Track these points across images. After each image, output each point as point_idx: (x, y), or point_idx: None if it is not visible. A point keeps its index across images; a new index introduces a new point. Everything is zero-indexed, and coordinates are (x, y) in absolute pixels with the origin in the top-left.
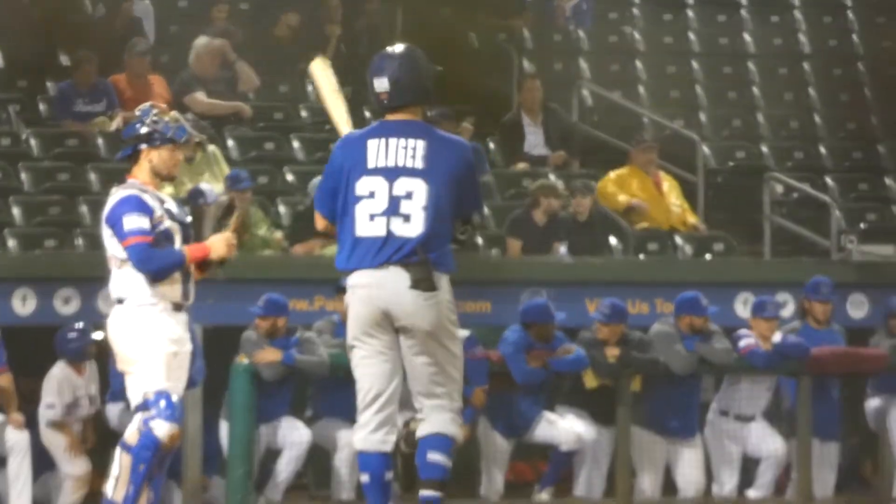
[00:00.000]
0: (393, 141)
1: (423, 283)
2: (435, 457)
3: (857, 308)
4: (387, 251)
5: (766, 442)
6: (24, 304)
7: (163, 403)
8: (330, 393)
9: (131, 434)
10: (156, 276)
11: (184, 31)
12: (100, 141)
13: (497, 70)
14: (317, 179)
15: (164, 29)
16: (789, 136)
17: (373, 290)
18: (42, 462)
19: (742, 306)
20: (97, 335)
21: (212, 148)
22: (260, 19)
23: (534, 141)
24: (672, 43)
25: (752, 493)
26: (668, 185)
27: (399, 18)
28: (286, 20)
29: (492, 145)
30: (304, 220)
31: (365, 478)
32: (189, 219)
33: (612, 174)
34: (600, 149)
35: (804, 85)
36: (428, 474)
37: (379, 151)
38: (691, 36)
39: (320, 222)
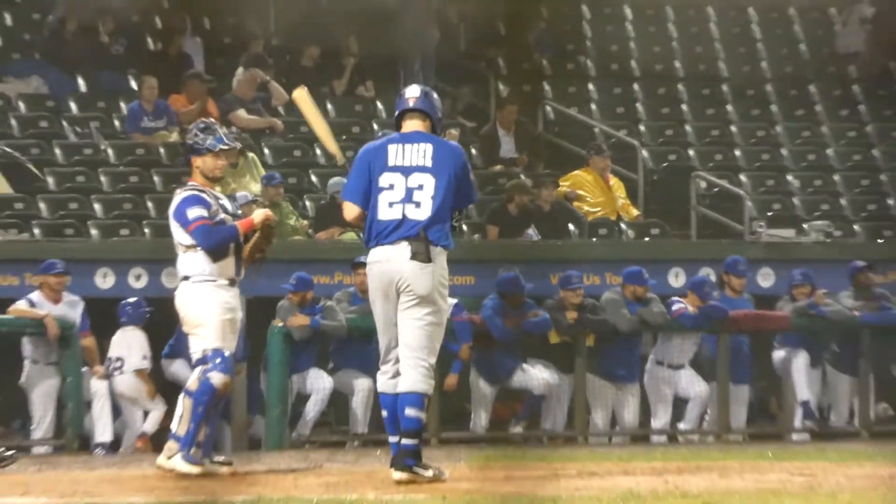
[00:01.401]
0: (408, 146)
1: (420, 255)
2: (411, 412)
3: (766, 279)
4: (400, 231)
5: (693, 385)
6: (104, 280)
7: (218, 359)
8: (348, 349)
9: (192, 382)
10: (217, 249)
11: (228, 62)
12: (162, 150)
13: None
14: (334, 180)
15: (212, 60)
16: (711, 143)
17: (384, 264)
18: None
19: (674, 279)
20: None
21: (251, 155)
22: (289, 51)
23: (507, 148)
24: (617, 69)
25: (682, 426)
26: (615, 183)
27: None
28: (309, 52)
29: (473, 151)
30: (326, 212)
31: (384, 413)
32: (240, 212)
33: (569, 176)
34: (560, 153)
35: (723, 102)
36: (406, 426)
37: (397, 153)
38: (633, 63)
39: (352, 211)
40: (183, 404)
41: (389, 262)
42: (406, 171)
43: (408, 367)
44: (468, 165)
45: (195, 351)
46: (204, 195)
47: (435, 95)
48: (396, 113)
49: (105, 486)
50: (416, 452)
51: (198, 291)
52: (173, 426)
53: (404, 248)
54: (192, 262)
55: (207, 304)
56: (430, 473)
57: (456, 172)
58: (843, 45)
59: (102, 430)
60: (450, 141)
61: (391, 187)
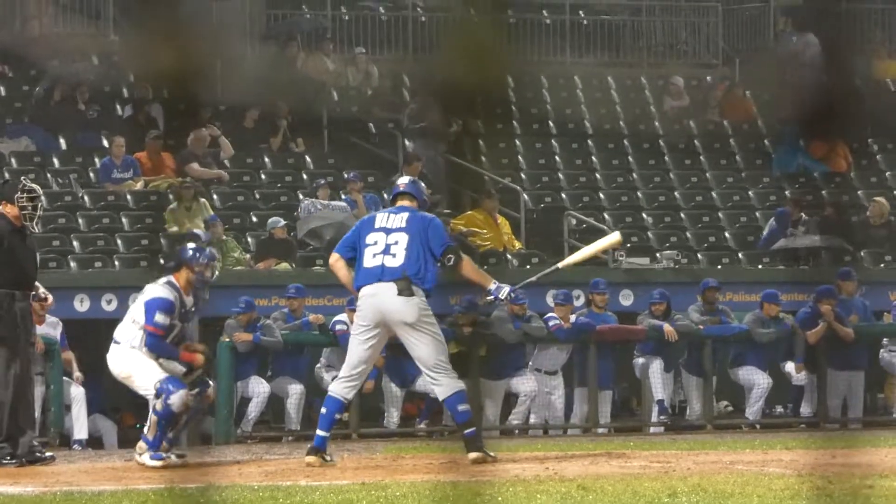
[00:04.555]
0: (392, 215)
1: (404, 291)
2: (462, 407)
3: (626, 299)
4: (381, 275)
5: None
6: (82, 304)
7: (170, 385)
8: (283, 360)
9: (158, 403)
10: (156, 354)
11: (183, 124)
12: (129, 197)
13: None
14: (273, 219)
15: (171, 122)
16: (579, 187)
17: (374, 298)
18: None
19: (550, 299)
20: None
21: (203, 200)
22: (233, 116)
23: None
24: (502, 127)
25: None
26: (501, 221)
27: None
28: (250, 115)
29: (385, 195)
30: (265, 246)
31: (323, 410)
32: (192, 308)
33: (463, 216)
34: (458, 196)
35: (589, 155)
36: (461, 419)
37: (383, 219)
38: (515, 123)
39: (334, 257)
40: (150, 418)
41: (378, 297)
42: (388, 231)
43: (438, 377)
44: (435, 222)
45: (147, 390)
46: (176, 301)
47: (421, 183)
48: (391, 196)
49: (81, 476)
50: (479, 437)
51: (127, 354)
52: (145, 429)
53: (391, 287)
54: (129, 332)
55: (136, 357)
56: (493, 455)
57: (422, 230)
58: (670, 109)
59: (80, 430)
60: (424, 213)
61: (375, 244)
